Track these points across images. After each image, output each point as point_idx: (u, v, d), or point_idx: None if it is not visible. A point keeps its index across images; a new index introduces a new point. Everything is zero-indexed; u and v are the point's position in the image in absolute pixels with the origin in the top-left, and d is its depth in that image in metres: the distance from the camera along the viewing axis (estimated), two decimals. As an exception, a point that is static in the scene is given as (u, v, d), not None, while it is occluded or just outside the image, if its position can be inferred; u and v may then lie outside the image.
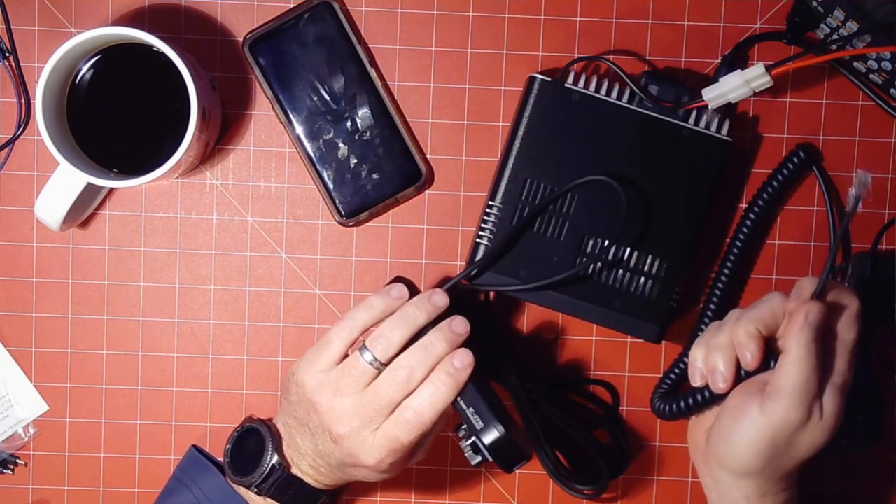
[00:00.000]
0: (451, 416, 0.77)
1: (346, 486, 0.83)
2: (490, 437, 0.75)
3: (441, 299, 0.77)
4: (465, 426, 0.76)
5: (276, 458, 0.78)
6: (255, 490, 0.79)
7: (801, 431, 0.70)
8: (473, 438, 0.75)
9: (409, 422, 0.74)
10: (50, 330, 0.87)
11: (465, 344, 0.76)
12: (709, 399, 0.75)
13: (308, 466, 0.78)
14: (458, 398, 0.75)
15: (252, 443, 0.80)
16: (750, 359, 0.71)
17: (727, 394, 0.73)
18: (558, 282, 0.81)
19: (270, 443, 0.79)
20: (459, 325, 0.76)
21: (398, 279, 0.79)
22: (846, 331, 0.71)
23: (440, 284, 0.80)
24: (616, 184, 0.80)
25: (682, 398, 0.77)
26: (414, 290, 0.78)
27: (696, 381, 0.74)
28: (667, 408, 0.78)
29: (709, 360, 0.72)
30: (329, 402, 0.75)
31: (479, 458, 0.75)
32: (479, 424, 0.75)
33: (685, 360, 0.83)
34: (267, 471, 0.78)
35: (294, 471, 0.79)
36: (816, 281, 0.71)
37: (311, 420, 0.76)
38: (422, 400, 0.74)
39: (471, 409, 0.75)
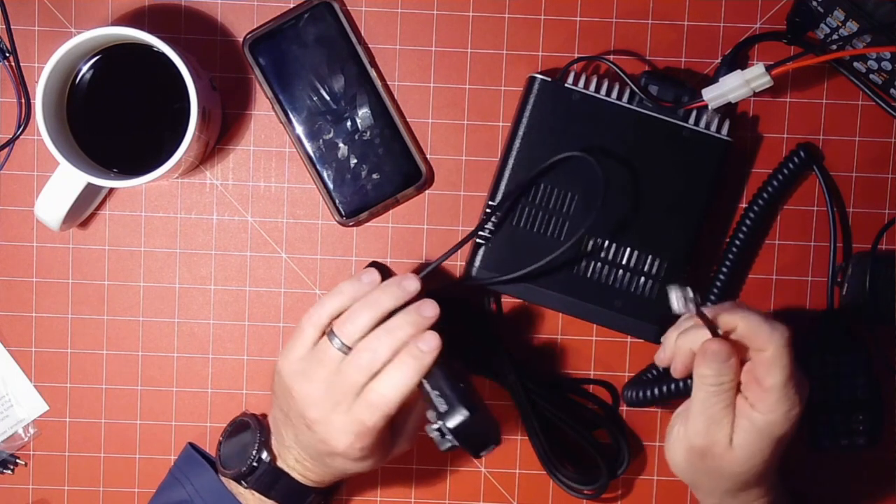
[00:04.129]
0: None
1: (336, 486, 0.83)
2: (454, 420, 0.73)
3: (411, 284, 0.75)
4: (432, 416, 0.74)
5: (264, 453, 0.79)
6: (245, 485, 0.79)
7: (710, 458, 0.71)
8: (440, 424, 0.73)
9: (373, 404, 0.73)
10: (50, 330, 0.87)
11: (439, 330, 0.74)
12: (673, 392, 0.76)
13: (294, 460, 0.78)
14: (425, 381, 0.74)
15: (243, 437, 0.81)
16: (674, 371, 0.73)
17: (687, 389, 0.73)
18: (558, 282, 0.82)
19: (258, 436, 0.79)
20: (427, 309, 0.75)
21: (373, 264, 0.78)
22: (765, 376, 0.69)
23: (418, 271, 0.80)
24: (591, 158, 0.80)
25: (647, 388, 0.78)
26: (389, 276, 0.77)
27: (659, 362, 0.74)
28: (632, 394, 0.79)
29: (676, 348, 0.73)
30: (301, 387, 0.75)
31: (448, 444, 0.74)
32: (443, 408, 0.73)
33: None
34: (253, 463, 0.78)
35: (281, 465, 0.79)
36: (687, 292, 0.68)
37: (290, 409, 0.76)
38: (384, 382, 0.73)
39: (436, 393, 0.73)
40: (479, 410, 0.74)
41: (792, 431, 0.70)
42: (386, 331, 0.74)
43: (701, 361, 0.70)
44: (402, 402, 0.74)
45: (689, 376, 0.72)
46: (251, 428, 0.80)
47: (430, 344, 0.73)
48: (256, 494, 0.79)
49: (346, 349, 0.74)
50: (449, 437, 0.73)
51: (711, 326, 0.69)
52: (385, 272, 0.78)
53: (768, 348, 0.68)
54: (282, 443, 0.79)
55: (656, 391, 0.80)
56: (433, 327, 0.75)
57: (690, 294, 0.67)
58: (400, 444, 0.78)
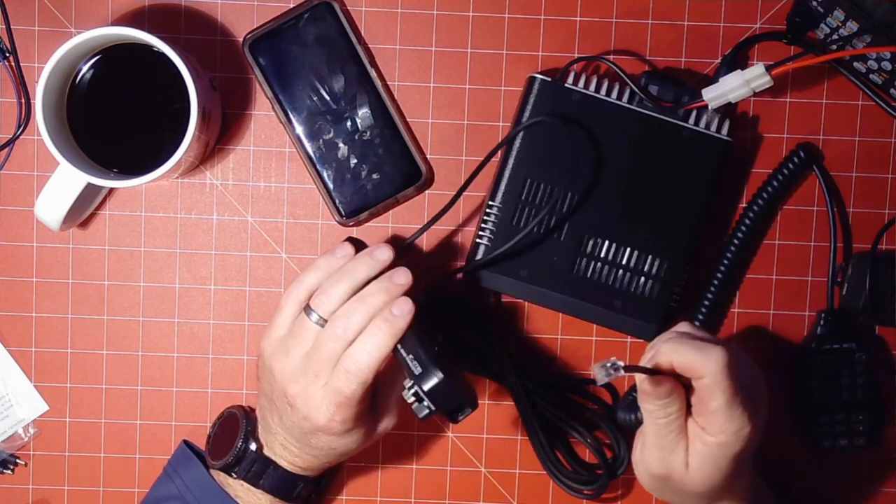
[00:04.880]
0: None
1: (325, 476, 0.83)
2: (429, 382, 0.72)
3: (383, 253, 0.76)
4: (408, 379, 0.74)
5: (250, 442, 0.79)
6: (234, 475, 0.79)
7: (671, 482, 0.72)
8: (415, 387, 0.73)
9: (349, 370, 0.73)
10: (50, 330, 0.87)
11: (415, 301, 0.74)
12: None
13: (280, 447, 0.78)
14: (399, 346, 0.74)
15: (230, 428, 0.81)
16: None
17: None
18: (558, 282, 0.82)
19: (244, 424, 0.80)
20: (400, 276, 0.75)
21: (349, 240, 0.78)
22: (709, 400, 0.68)
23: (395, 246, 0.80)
24: (561, 123, 0.80)
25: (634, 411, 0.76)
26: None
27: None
28: (628, 417, 0.76)
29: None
30: (281, 364, 0.75)
31: (425, 410, 0.73)
32: (417, 370, 0.73)
33: None
34: (239, 453, 0.79)
35: (268, 453, 0.79)
36: (606, 363, 0.67)
37: (273, 390, 0.76)
38: (359, 348, 0.73)
39: (410, 356, 0.73)
40: (454, 373, 0.74)
41: (749, 447, 0.70)
42: (359, 299, 0.74)
43: (644, 399, 0.70)
44: (378, 368, 0.73)
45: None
46: (238, 419, 0.81)
47: (403, 308, 0.74)
48: (245, 485, 0.79)
49: (323, 321, 0.74)
50: (426, 401, 0.73)
51: (650, 370, 0.69)
52: (361, 247, 0.78)
53: (705, 375, 0.68)
54: (268, 430, 0.79)
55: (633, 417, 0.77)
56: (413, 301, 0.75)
57: (610, 362, 0.67)
58: (384, 419, 0.78)
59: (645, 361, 0.71)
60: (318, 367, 0.74)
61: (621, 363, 0.67)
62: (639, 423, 0.74)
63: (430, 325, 0.76)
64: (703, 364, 0.68)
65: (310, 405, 0.74)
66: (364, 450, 0.86)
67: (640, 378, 0.70)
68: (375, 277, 0.76)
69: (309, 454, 0.78)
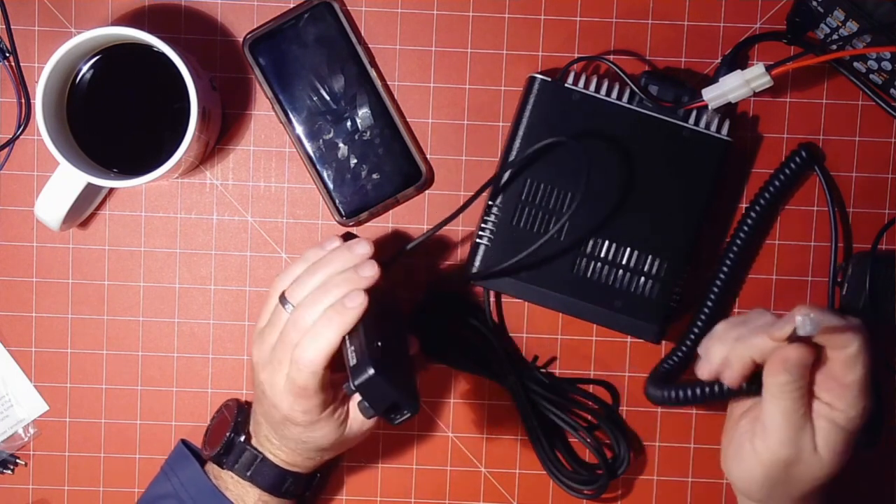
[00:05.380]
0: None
1: (316, 475, 0.82)
2: (359, 378, 0.69)
3: (362, 248, 0.75)
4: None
5: (239, 433, 0.80)
6: (225, 466, 0.79)
7: (796, 466, 0.70)
8: (348, 381, 0.70)
9: (298, 361, 0.72)
10: (50, 330, 0.87)
11: (388, 296, 0.73)
12: (708, 395, 0.73)
13: (264, 438, 0.79)
14: (347, 338, 0.71)
15: (224, 420, 0.82)
16: (728, 379, 0.71)
17: (727, 393, 0.72)
18: (558, 282, 0.82)
19: (236, 416, 0.80)
20: (366, 269, 0.74)
21: (345, 236, 0.78)
22: (846, 373, 0.68)
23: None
24: (574, 142, 0.79)
25: (682, 388, 0.75)
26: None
27: (703, 374, 0.73)
28: (667, 394, 0.75)
29: (725, 356, 0.71)
30: (258, 352, 0.76)
31: (369, 411, 0.70)
32: (352, 363, 0.70)
33: (682, 350, 0.83)
34: (228, 442, 0.79)
35: (255, 444, 0.79)
36: (809, 312, 0.66)
37: (257, 379, 0.77)
38: (307, 339, 0.72)
39: (352, 349, 0.71)
40: (388, 371, 0.70)
41: (858, 430, 0.70)
42: (323, 289, 0.74)
43: (779, 369, 0.68)
44: (327, 359, 0.72)
45: (742, 384, 0.71)
46: (232, 410, 0.82)
47: (355, 300, 0.72)
48: (235, 477, 0.79)
49: None
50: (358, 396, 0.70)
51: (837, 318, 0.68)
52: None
53: (851, 345, 0.67)
54: (256, 422, 0.79)
55: (698, 391, 0.74)
56: (389, 299, 0.74)
57: (817, 315, 0.65)
58: (356, 417, 0.77)
59: (776, 331, 0.68)
60: (281, 355, 0.74)
61: (813, 315, 0.65)
62: (678, 400, 0.72)
63: (390, 321, 0.74)
64: (853, 332, 0.67)
65: (276, 393, 0.74)
66: (364, 450, 0.87)
67: (761, 346, 0.68)
68: None
69: (287, 447, 0.78)
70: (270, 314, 0.76)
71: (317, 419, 0.75)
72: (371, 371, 0.69)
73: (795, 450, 0.69)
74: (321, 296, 0.73)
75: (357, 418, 0.78)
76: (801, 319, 0.65)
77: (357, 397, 0.71)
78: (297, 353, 0.72)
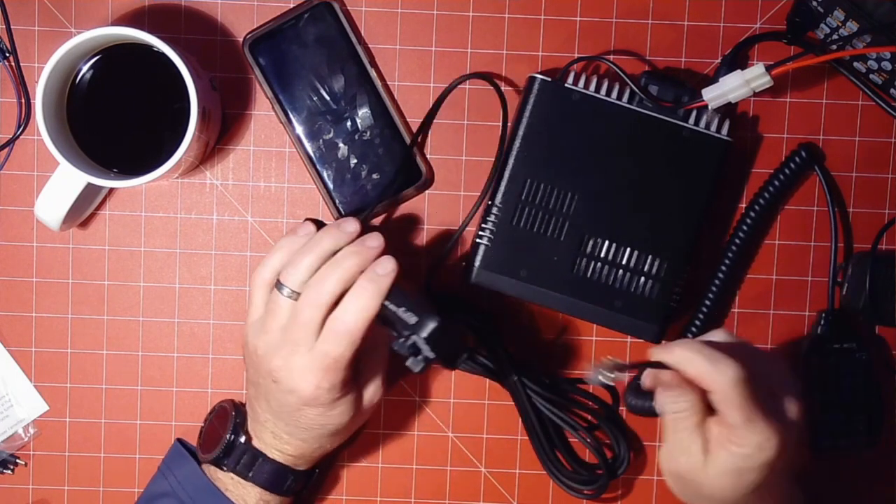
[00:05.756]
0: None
1: (316, 469, 0.82)
2: (427, 328, 0.73)
3: (350, 225, 0.76)
4: (402, 336, 0.74)
5: (239, 434, 0.79)
6: (224, 468, 0.79)
7: (691, 483, 0.71)
8: (413, 338, 0.73)
9: (337, 332, 0.73)
10: (50, 330, 0.87)
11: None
12: None
13: (270, 435, 0.78)
14: (388, 303, 0.73)
15: (220, 421, 0.81)
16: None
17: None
18: (558, 282, 0.82)
19: (233, 416, 0.80)
20: (372, 240, 0.75)
21: (308, 220, 0.78)
22: (727, 413, 0.68)
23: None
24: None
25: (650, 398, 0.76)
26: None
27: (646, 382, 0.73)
28: (637, 403, 0.78)
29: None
30: (263, 342, 0.75)
31: (421, 363, 0.73)
32: (412, 320, 0.73)
33: None
34: (228, 444, 0.79)
35: (257, 444, 0.79)
36: (603, 365, 0.67)
37: (258, 372, 0.76)
38: (346, 309, 0.73)
39: (402, 309, 0.73)
40: (448, 318, 0.74)
41: (777, 457, 0.68)
42: (332, 264, 0.74)
43: (658, 390, 0.70)
44: (366, 327, 0.73)
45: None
46: (228, 411, 0.81)
47: (387, 267, 0.74)
48: (235, 478, 0.79)
49: (295, 294, 0.74)
50: (424, 349, 0.73)
51: (652, 364, 0.69)
52: (321, 226, 0.78)
53: (717, 392, 0.67)
54: (256, 419, 0.79)
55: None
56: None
57: (610, 362, 0.67)
58: (369, 388, 0.78)
59: (654, 358, 0.70)
60: (297, 336, 0.73)
61: (618, 365, 0.67)
62: (648, 410, 0.73)
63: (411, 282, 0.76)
64: (714, 379, 0.67)
65: (294, 376, 0.74)
66: (364, 450, 0.87)
67: (652, 370, 0.69)
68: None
69: (298, 438, 0.78)
70: (262, 306, 0.76)
71: (339, 396, 0.75)
72: (438, 320, 0.73)
73: (676, 468, 0.71)
74: (331, 271, 0.74)
75: (368, 392, 0.78)
76: (596, 374, 0.67)
77: (405, 352, 0.73)
78: (335, 325, 0.72)
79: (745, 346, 0.72)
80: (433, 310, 0.74)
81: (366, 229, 0.77)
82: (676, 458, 0.71)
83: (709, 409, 0.70)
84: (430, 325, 0.73)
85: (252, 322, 0.77)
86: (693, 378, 0.68)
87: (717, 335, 0.72)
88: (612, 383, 0.67)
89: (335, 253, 0.75)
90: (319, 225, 0.78)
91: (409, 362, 0.74)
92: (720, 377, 0.67)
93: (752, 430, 0.67)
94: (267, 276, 0.76)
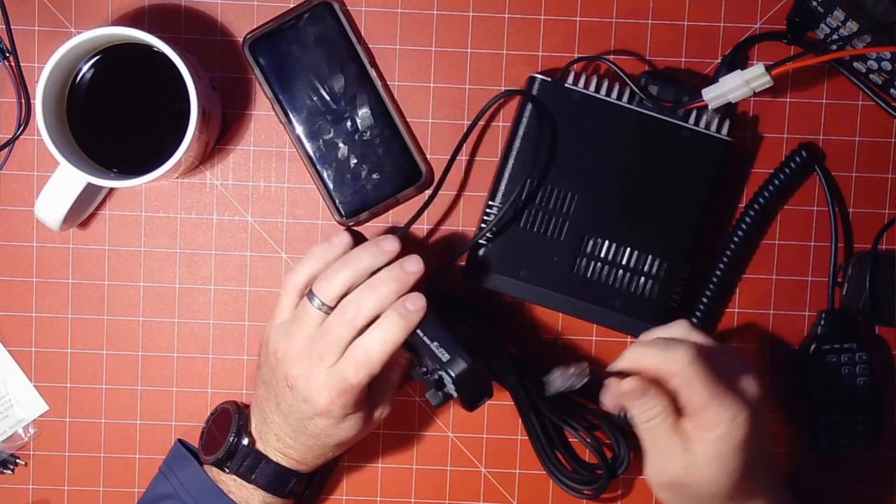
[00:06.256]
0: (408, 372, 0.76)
1: (317, 473, 0.82)
2: (457, 368, 0.72)
3: (390, 244, 0.76)
4: (425, 368, 0.74)
5: (242, 436, 0.79)
6: (227, 470, 0.79)
7: (687, 487, 0.71)
8: (440, 373, 0.73)
9: (358, 361, 0.73)
10: (50, 330, 0.87)
11: (424, 290, 0.75)
12: None
13: (274, 438, 0.78)
14: (421, 333, 0.74)
15: (223, 423, 0.81)
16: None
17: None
18: (558, 282, 0.82)
19: (236, 419, 0.80)
20: (411, 264, 0.75)
21: (347, 230, 0.78)
22: (692, 397, 0.69)
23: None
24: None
25: None
26: (361, 241, 0.78)
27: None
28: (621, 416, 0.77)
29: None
30: (285, 346, 0.75)
31: (440, 397, 0.74)
32: (445, 357, 0.73)
33: None
34: (231, 447, 0.79)
35: (260, 447, 0.79)
36: (559, 373, 0.71)
37: (274, 375, 0.76)
38: (371, 339, 0.73)
39: (435, 343, 0.73)
40: (479, 360, 0.74)
41: (751, 433, 0.69)
42: (370, 286, 0.74)
43: (626, 404, 0.70)
44: (387, 360, 0.74)
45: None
46: (230, 413, 0.81)
47: (417, 304, 0.74)
48: (238, 480, 0.79)
49: (325, 307, 0.74)
50: (449, 386, 0.73)
51: (614, 373, 0.70)
52: (359, 238, 0.78)
53: (677, 374, 0.68)
54: (263, 420, 0.79)
55: None
56: (421, 288, 0.74)
57: (571, 370, 0.68)
58: (379, 406, 0.79)
59: (614, 369, 0.71)
60: (323, 349, 0.74)
61: (577, 371, 0.67)
62: (627, 422, 0.73)
63: (444, 313, 0.75)
64: (670, 363, 0.68)
65: (312, 386, 0.74)
66: (364, 450, 0.87)
67: (614, 382, 0.70)
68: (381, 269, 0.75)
69: (303, 444, 0.78)
70: (290, 311, 0.76)
71: (350, 412, 0.75)
72: (469, 362, 0.72)
73: (670, 476, 0.71)
74: (369, 292, 0.74)
75: (379, 408, 0.78)
76: (554, 379, 0.70)
77: (429, 384, 0.73)
78: (357, 354, 0.73)
79: (696, 339, 0.72)
80: (465, 349, 0.73)
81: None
82: (663, 467, 0.71)
83: (679, 412, 0.70)
84: (461, 366, 0.73)
85: (277, 324, 0.77)
86: (652, 371, 0.69)
87: (677, 326, 0.73)
88: (564, 390, 0.69)
89: (371, 270, 0.75)
90: (355, 235, 0.77)
91: (428, 394, 0.74)
92: (676, 358, 0.68)
93: (719, 406, 0.68)
94: (298, 282, 0.76)
